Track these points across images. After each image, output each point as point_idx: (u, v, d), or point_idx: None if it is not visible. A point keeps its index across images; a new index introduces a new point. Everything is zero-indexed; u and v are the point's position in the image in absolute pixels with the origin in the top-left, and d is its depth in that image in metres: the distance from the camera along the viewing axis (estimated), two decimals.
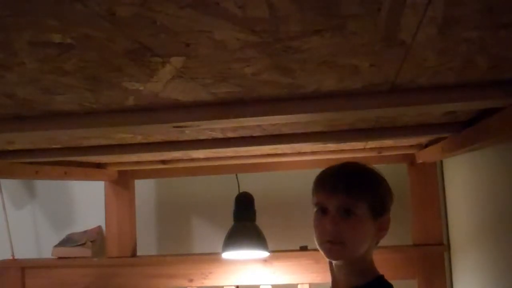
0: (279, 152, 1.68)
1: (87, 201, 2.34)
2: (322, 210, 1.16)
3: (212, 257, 1.99)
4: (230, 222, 1.83)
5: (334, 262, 1.19)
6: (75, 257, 2.11)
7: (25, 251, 2.23)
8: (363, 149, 1.73)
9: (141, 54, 0.57)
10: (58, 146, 1.31)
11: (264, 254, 1.80)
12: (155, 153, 1.47)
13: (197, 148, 1.34)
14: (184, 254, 2.17)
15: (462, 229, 1.80)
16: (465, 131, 1.19)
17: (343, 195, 1.13)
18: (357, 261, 1.16)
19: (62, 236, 2.23)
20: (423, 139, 1.59)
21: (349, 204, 1.13)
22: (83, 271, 2.08)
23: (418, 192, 1.92)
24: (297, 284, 1.96)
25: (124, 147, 1.34)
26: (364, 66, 0.67)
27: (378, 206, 1.15)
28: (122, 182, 2.10)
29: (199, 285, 2.00)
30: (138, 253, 2.15)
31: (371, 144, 1.59)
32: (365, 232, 1.15)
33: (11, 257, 2.12)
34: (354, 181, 1.16)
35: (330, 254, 1.15)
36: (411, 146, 1.73)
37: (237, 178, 2.07)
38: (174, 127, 0.91)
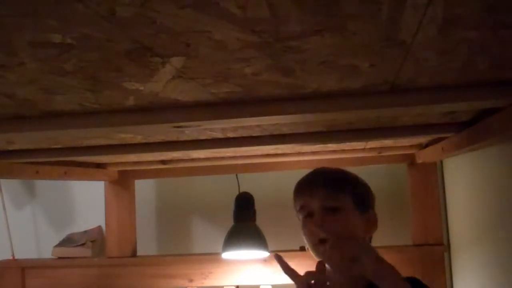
0: (279, 152, 1.68)
1: (87, 201, 2.34)
2: (308, 214, 1.14)
3: (212, 257, 1.99)
4: (230, 222, 1.83)
5: None
6: (75, 257, 2.11)
7: (25, 251, 2.22)
8: (363, 149, 1.73)
9: (141, 54, 0.57)
10: (58, 146, 1.30)
11: (264, 254, 1.80)
12: (155, 153, 1.47)
13: (197, 148, 1.34)
14: (184, 254, 2.16)
15: (462, 229, 1.80)
16: (465, 131, 1.19)
17: (323, 191, 1.12)
18: None
19: (62, 236, 2.23)
20: (423, 139, 1.59)
21: (332, 198, 1.11)
22: (83, 271, 2.08)
23: (418, 192, 1.92)
24: None
25: (124, 147, 1.34)
26: (364, 66, 0.67)
27: (362, 199, 1.14)
28: (122, 182, 2.09)
29: (199, 285, 2.00)
30: (138, 253, 2.15)
31: (371, 144, 1.59)
32: (355, 225, 1.11)
33: (11, 257, 2.12)
34: (331, 177, 1.15)
35: (325, 254, 1.07)
36: (411, 146, 1.73)
37: (237, 178, 2.06)
38: (174, 127, 0.91)
